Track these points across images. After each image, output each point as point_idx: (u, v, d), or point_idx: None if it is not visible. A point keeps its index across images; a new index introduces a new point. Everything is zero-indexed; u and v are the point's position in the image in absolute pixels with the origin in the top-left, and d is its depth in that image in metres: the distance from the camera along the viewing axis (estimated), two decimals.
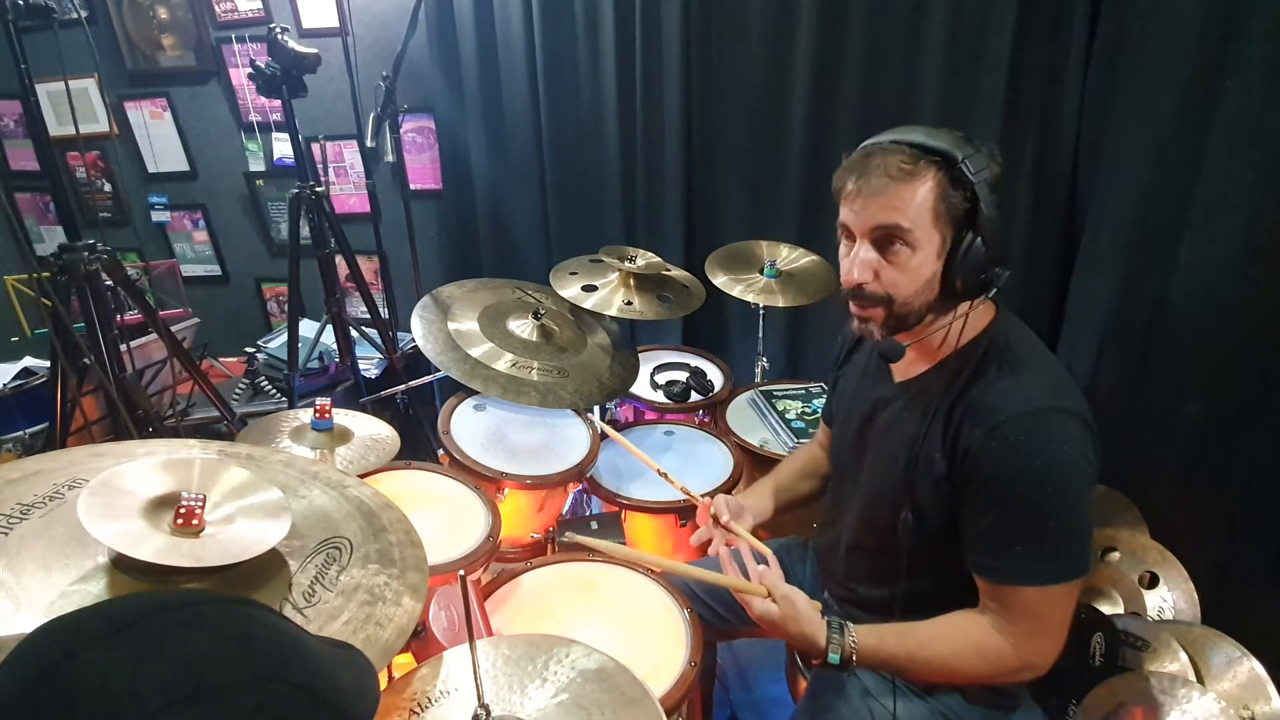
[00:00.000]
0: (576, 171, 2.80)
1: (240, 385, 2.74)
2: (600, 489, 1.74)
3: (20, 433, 2.24)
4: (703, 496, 1.41)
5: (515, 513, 1.64)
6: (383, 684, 0.90)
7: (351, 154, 3.07)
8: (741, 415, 2.06)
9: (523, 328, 1.81)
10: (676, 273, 2.16)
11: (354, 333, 2.62)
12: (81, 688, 0.44)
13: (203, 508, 0.83)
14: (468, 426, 1.77)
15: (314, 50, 2.16)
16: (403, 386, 2.47)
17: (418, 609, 0.88)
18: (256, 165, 3.15)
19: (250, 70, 2.16)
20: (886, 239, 1.01)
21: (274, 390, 2.67)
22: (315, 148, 2.94)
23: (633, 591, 1.35)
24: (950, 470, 1.02)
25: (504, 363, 1.68)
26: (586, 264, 2.06)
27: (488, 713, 0.84)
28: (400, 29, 2.19)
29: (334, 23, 2.82)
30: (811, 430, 1.91)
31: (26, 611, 0.73)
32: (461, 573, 0.87)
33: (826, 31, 2.38)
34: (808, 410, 2.01)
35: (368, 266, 3.04)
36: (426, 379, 2.50)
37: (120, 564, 0.79)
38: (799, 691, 1.38)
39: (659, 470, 1.49)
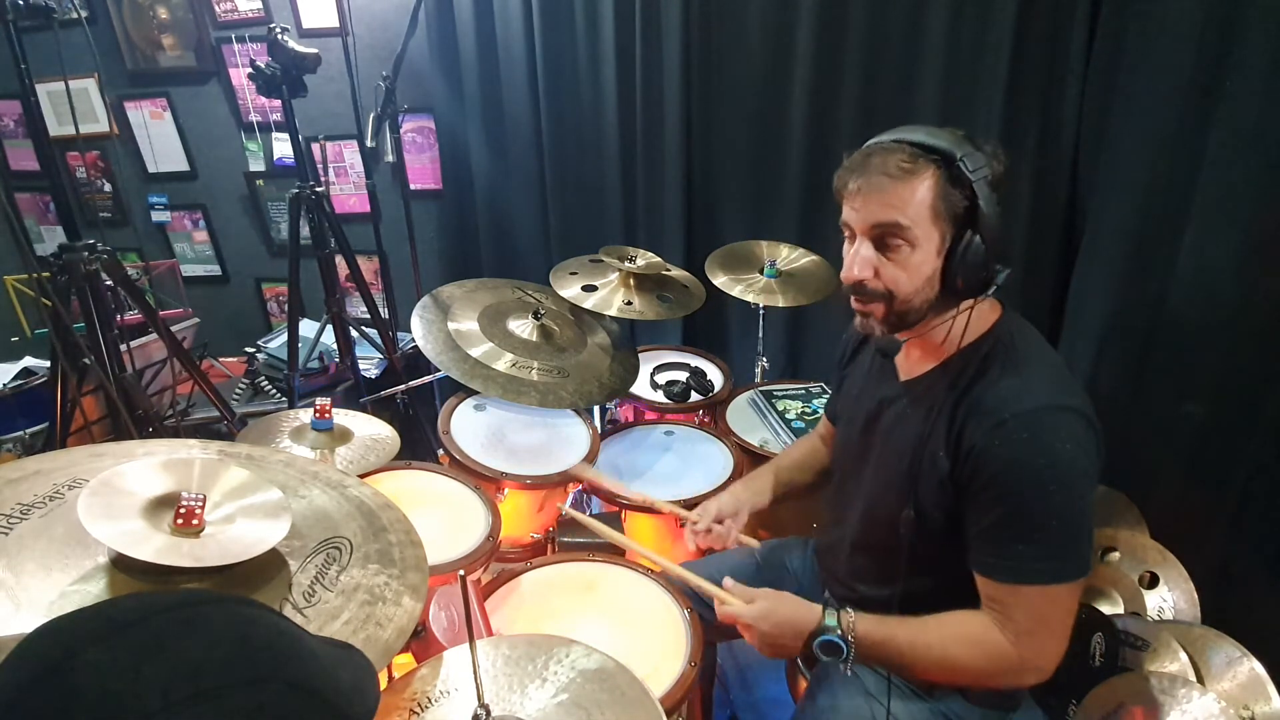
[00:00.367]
0: (576, 171, 2.80)
1: (240, 385, 2.74)
2: (600, 489, 1.74)
3: (20, 433, 2.24)
4: (690, 505, 1.44)
5: (515, 513, 1.65)
6: (383, 684, 0.90)
7: (351, 154, 3.07)
8: (741, 415, 2.06)
9: (523, 328, 1.81)
10: (676, 273, 2.16)
11: (354, 333, 2.62)
12: (81, 688, 0.44)
13: (203, 508, 0.83)
14: (468, 426, 1.77)
15: (314, 50, 2.16)
16: (403, 386, 2.47)
17: (418, 609, 0.88)
18: (256, 165, 3.15)
19: (250, 70, 2.16)
20: (886, 237, 1.01)
21: (274, 390, 2.67)
22: (315, 148, 2.94)
23: (633, 591, 1.35)
24: (953, 469, 1.03)
25: (504, 363, 1.68)
26: (586, 264, 2.06)
27: (488, 712, 0.84)
28: (400, 29, 2.19)
29: (334, 23, 2.82)
30: (811, 430, 1.91)
31: (26, 611, 0.73)
32: (461, 573, 0.87)
33: (826, 31, 2.38)
34: (808, 410, 2.01)
35: (368, 266, 3.04)
36: (426, 379, 2.50)
37: (120, 564, 0.79)
38: (799, 692, 1.38)
39: (642, 503, 1.49)
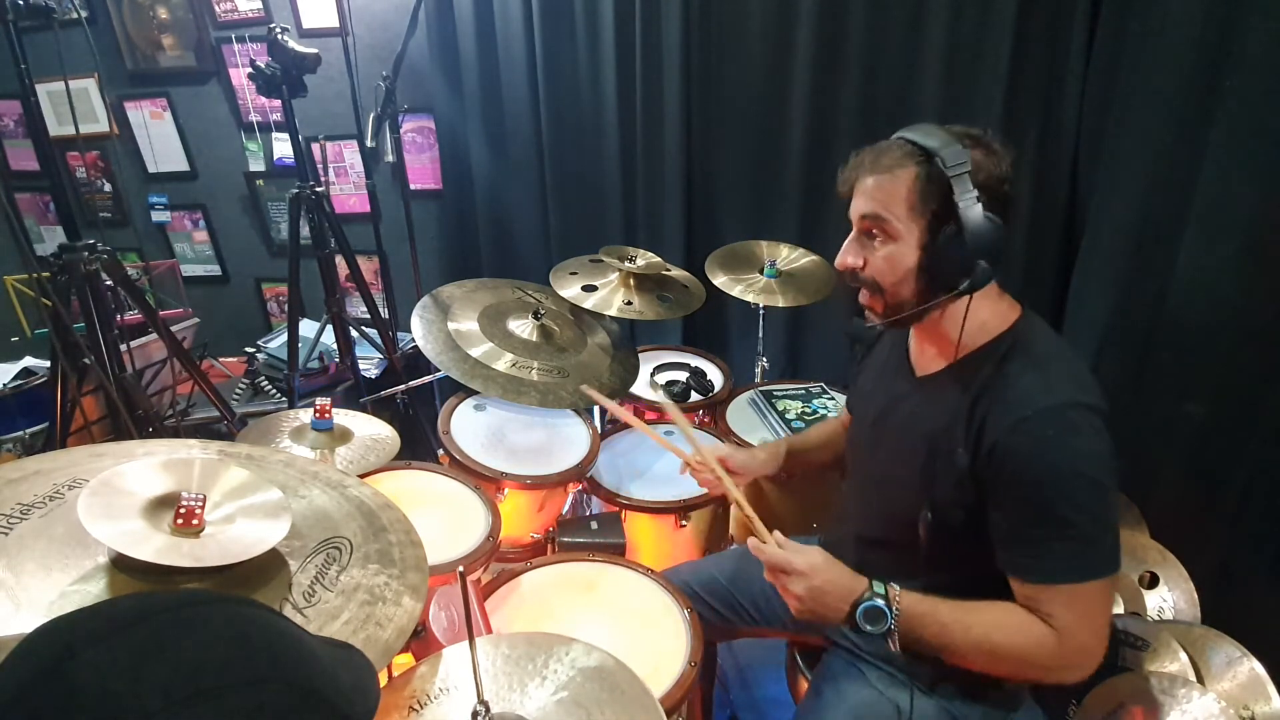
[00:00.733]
0: (576, 171, 2.80)
1: (240, 385, 2.74)
2: (600, 489, 1.74)
3: (20, 433, 2.24)
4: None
5: (515, 513, 1.64)
6: (383, 684, 0.90)
7: (351, 154, 3.07)
8: (741, 415, 2.06)
9: (523, 328, 1.81)
10: (676, 273, 2.15)
11: (354, 333, 2.62)
12: (81, 688, 0.44)
13: (203, 508, 0.83)
14: (468, 426, 1.77)
15: (314, 50, 2.16)
16: (403, 386, 2.47)
17: (418, 609, 0.88)
18: (256, 165, 3.15)
19: (250, 70, 2.16)
20: (872, 229, 1.07)
21: (274, 390, 2.67)
22: (315, 148, 2.94)
23: (633, 591, 1.35)
24: (974, 466, 1.02)
25: (504, 363, 1.68)
26: (586, 264, 2.06)
27: (487, 709, 0.84)
28: (400, 29, 2.19)
29: (334, 23, 2.82)
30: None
31: (26, 611, 0.73)
32: (460, 569, 0.87)
33: (826, 31, 2.38)
34: (808, 410, 2.01)
35: (368, 266, 3.04)
36: (426, 379, 2.50)
37: (120, 564, 0.79)
38: (799, 692, 1.38)
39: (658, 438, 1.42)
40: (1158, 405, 1.67)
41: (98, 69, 2.83)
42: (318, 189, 2.29)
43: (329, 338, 2.56)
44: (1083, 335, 2.00)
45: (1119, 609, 1.41)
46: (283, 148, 3.09)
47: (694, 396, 2.12)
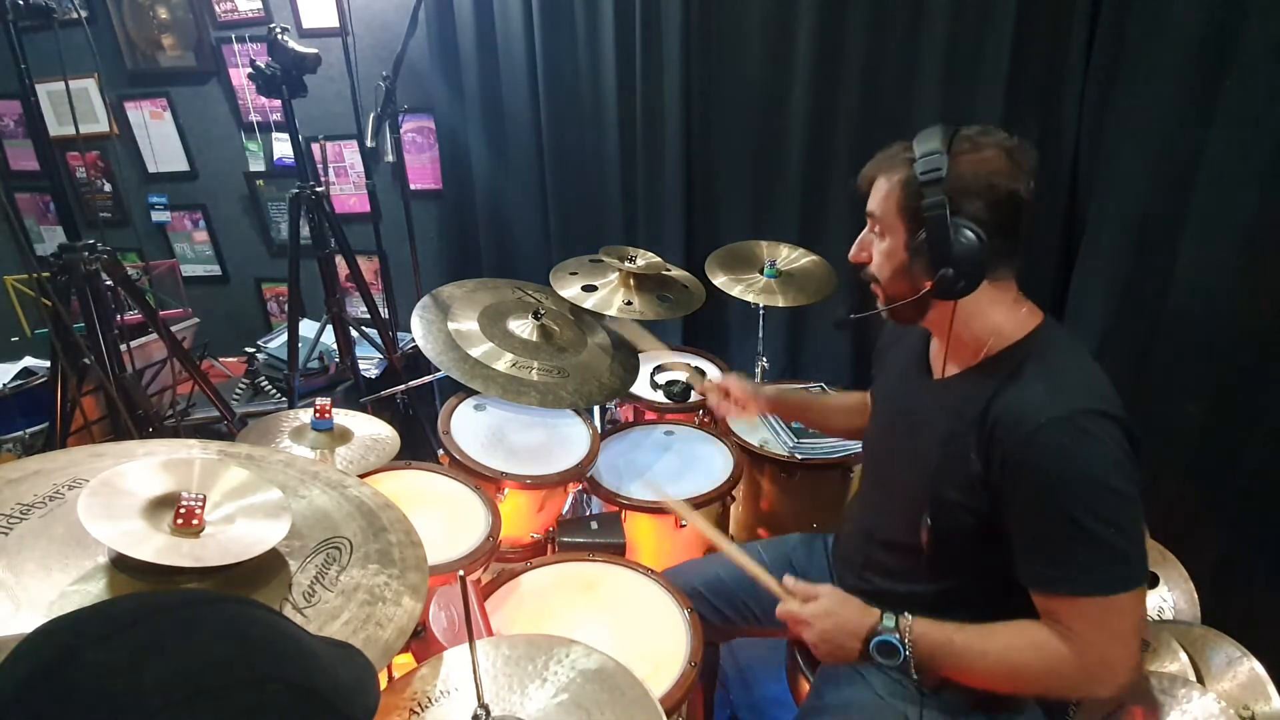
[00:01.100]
0: (576, 171, 2.80)
1: (240, 385, 2.74)
2: (600, 489, 1.74)
3: (20, 433, 2.24)
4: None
5: (515, 513, 1.64)
6: (383, 684, 0.90)
7: (351, 154, 3.07)
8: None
9: (523, 328, 1.81)
10: (676, 273, 2.15)
11: (354, 333, 2.62)
12: (81, 688, 0.44)
13: (203, 508, 0.83)
14: (468, 426, 1.77)
15: (314, 50, 2.16)
16: (403, 386, 2.47)
17: (418, 609, 0.88)
18: (256, 165, 3.15)
19: (250, 70, 2.16)
20: (873, 225, 1.11)
21: (274, 390, 2.67)
22: (315, 148, 2.95)
23: (633, 591, 1.35)
24: (987, 473, 1.01)
25: (504, 363, 1.68)
26: (586, 264, 2.06)
27: (487, 713, 0.84)
28: (400, 29, 2.19)
29: (334, 23, 2.82)
30: (812, 430, 1.91)
31: (26, 611, 0.73)
32: (461, 573, 0.87)
33: (826, 32, 2.38)
34: None
35: (368, 266, 3.04)
36: (426, 379, 2.50)
37: (120, 564, 0.79)
38: (800, 692, 1.38)
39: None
40: (1158, 405, 1.67)
41: (98, 69, 2.83)
42: (318, 189, 2.29)
43: (329, 338, 2.56)
44: (1083, 335, 2.00)
45: None
46: (283, 148, 3.09)
47: (694, 396, 2.12)
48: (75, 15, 1.92)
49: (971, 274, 0.99)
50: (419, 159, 3.03)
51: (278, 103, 2.23)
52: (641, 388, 2.14)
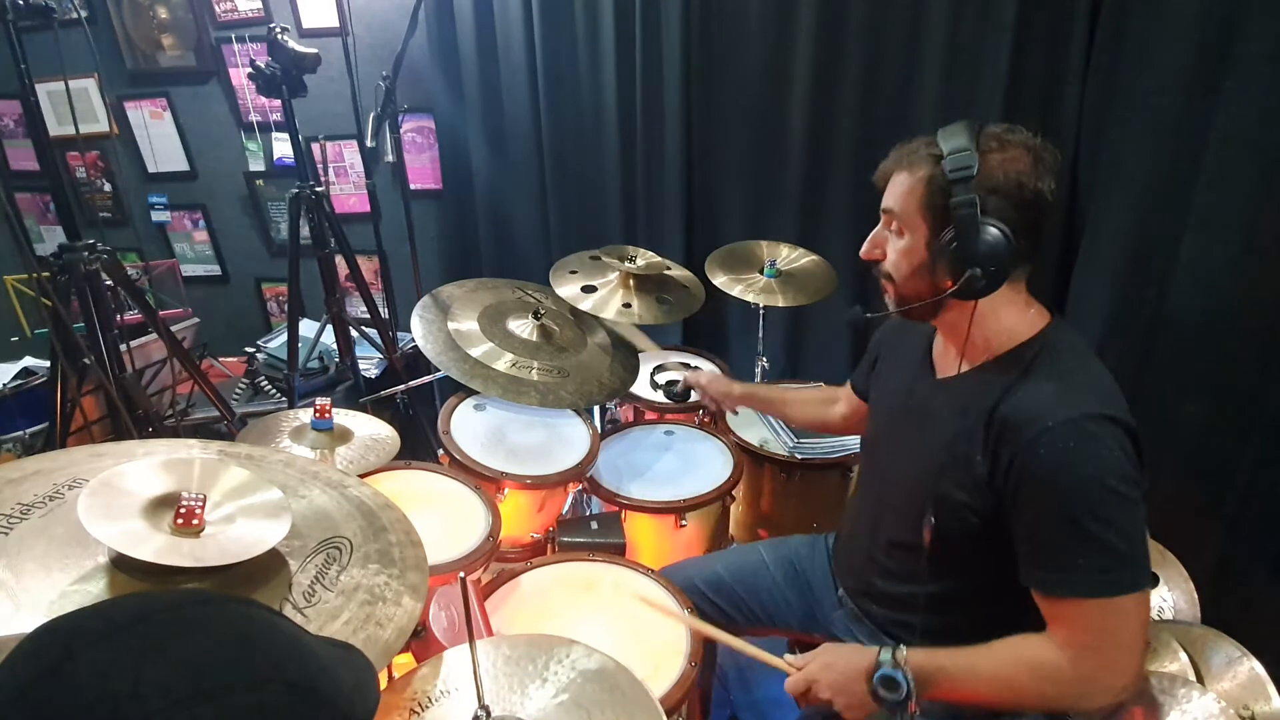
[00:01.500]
0: (576, 171, 2.80)
1: (240, 385, 2.74)
2: (600, 489, 1.74)
3: (20, 433, 2.24)
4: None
5: (515, 513, 1.64)
6: (383, 684, 0.90)
7: (351, 154, 3.07)
8: (741, 415, 2.06)
9: (523, 328, 1.81)
10: (676, 272, 2.15)
11: (354, 333, 2.62)
12: (81, 688, 0.44)
13: (203, 508, 0.83)
14: (468, 426, 1.77)
15: (314, 50, 2.16)
16: (403, 386, 2.47)
17: (418, 609, 0.88)
18: (256, 165, 3.15)
19: (250, 70, 2.16)
20: (890, 222, 1.09)
21: (274, 390, 2.67)
22: (315, 148, 2.94)
23: (633, 591, 1.35)
24: (992, 475, 1.01)
25: (504, 363, 1.68)
26: (587, 263, 2.06)
27: (488, 713, 0.84)
28: (400, 29, 2.19)
29: (334, 23, 2.82)
30: (811, 430, 1.91)
31: (26, 611, 0.73)
32: (461, 573, 0.87)
33: (826, 32, 2.38)
34: None
35: (368, 266, 3.04)
36: (426, 379, 2.50)
37: (120, 564, 0.79)
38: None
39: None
40: (1158, 405, 1.67)
41: (98, 69, 2.83)
42: (318, 189, 2.29)
43: (329, 338, 2.55)
44: (1083, 335, 1.98)
45: None
46: (283, 148, 3.09)
47: (694, 396, 2.12)
48: (75, 15, 1.92)
49: (996, 275, 0.99)
50: (419, 159, 3.03)
51: (278, 103, 2.23)
52: (641, 388, 2.14)
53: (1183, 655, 1.17)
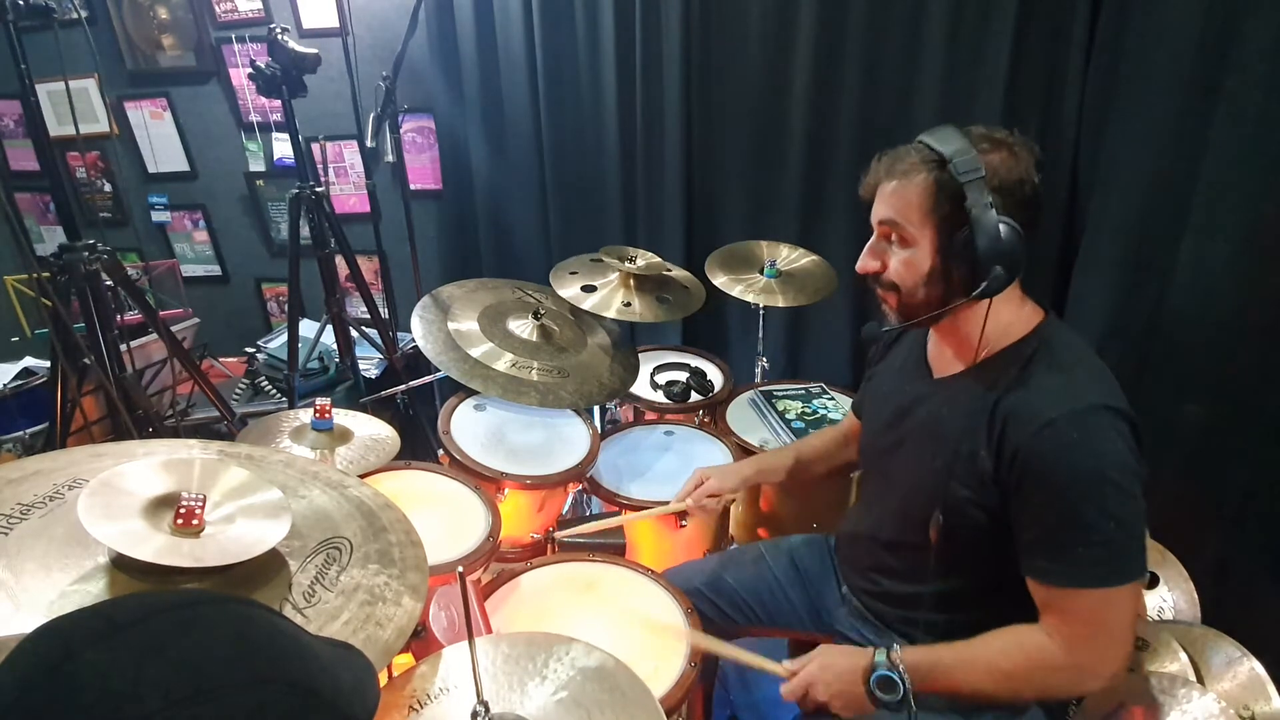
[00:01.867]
0: (576, 171, 2.80)
1: (240, 385, 2.74)
2: (600, 489, 1.74)
3: (20, 433, 2.24)
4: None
5: (515, 513, 1.64)
6: (382, 684, 0.90)
7: (351, 154, 3.07)
8: (742, 415, 2.06)
9: (523, 328, 1.81)
10: (677, 273, 2.15)
11: (354, 333, 2.62)
12: (81, 688, 0.44)
13: (203, 508, 0.83)
14: (468, 426, 1.77)
15: (314, 50, 2.16)
16: (403, 386, 2.47)
17: (418, 609, 0.88)
18: (256, 165, 3.15)
19: (250, 70, 2.16)
20: (890, 233, 1.08)
21: (274, 390, 2.68)
22: (315, 148, 2.94)
23: (633, 591, 1.35)
24: (997, 470, 1.02)
25: (504, 363, 1.68)
26: (587, 263, 2.06)
27: (487, 709, 0.84)
28: (400, 29, 2.19)
29: (334, 23, 2.82)
30: (812, 430, 1.91)
31: (26, 611, 0.73)
32: (460, 569, 0.87)
33: (826, 32, 2.38)
34: (808, 410, 2.01)
35: (368, 266, 3.04)
36: (426, 379, 2.50)
37: (120, 564, 0.79)
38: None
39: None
40: (1158, 405, 1.67)
41: (98, 69, 2.83)
42: (318, 189, 2.29)
43: (329, 338, 2.56)
44: (1083, 335, 1.98)
45: None
46: (283, 148, 3.09)
47: (694, 396, 2.12)
48: (75, 15, 1.92)
49: (1015, 270, 1.00)
50: (419, 159, 3.03)
51: (278, 103, 2.23)
52: (642, 388, 2.14)
53: (1183, 655, 1.17)
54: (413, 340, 1.71)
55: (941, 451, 1.09)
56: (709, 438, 1.95)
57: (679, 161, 2.64)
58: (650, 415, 2.14)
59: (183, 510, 0.82)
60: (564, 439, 1.80)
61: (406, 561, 0.93)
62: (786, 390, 2.11)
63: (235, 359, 2.94)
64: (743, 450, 1.88)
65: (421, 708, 0.93)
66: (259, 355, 2.77)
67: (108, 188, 3.25)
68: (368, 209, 2.93)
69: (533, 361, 1.71)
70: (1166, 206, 1.70)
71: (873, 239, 1.11)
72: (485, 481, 1.59)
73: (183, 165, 3.18)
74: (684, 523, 1.68)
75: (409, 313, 1.74)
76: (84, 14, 2.32)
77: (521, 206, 2.90)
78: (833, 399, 2.07)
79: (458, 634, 1.10)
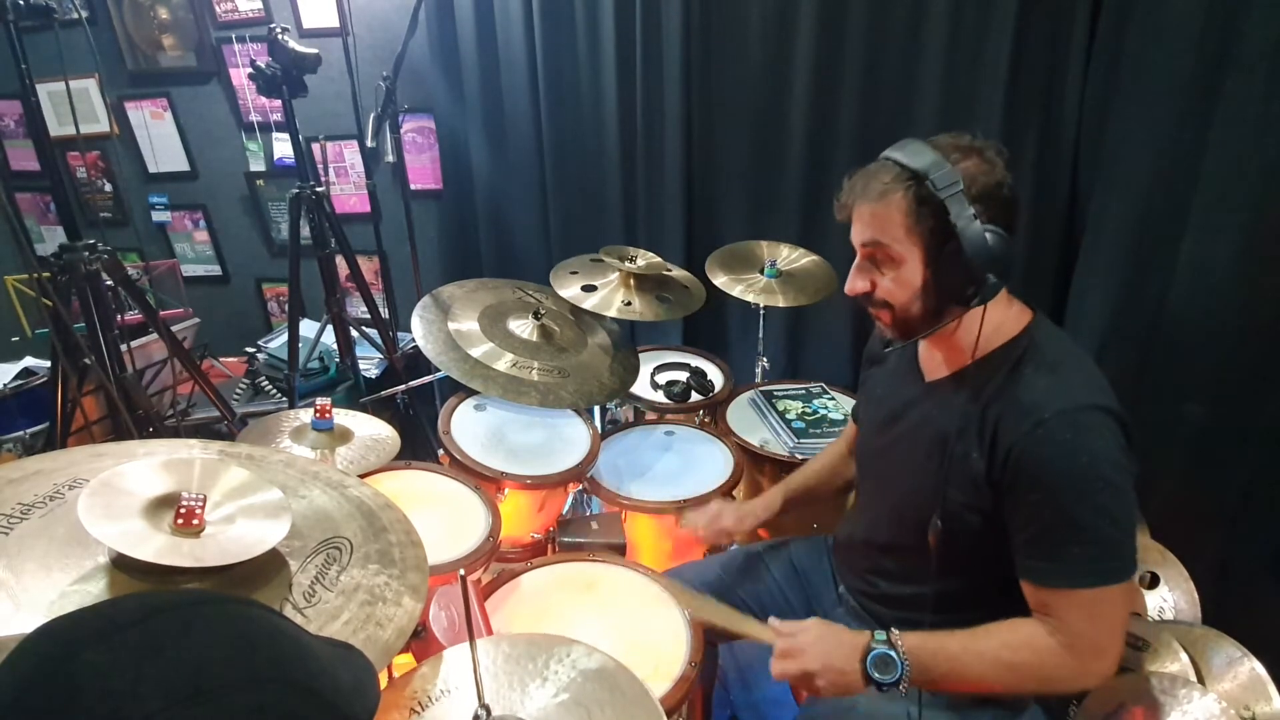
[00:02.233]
0: (577, 171, 2.80)
1: (240, 385, 2.74)
2: (600, 489, 1.74)
3: (20, 433, 2.24)
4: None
5: (515, 513, 1.65)
6: (383, 684, 0.90)
7: (352, 154, 3.07)
8: (742, 415, 2.06)
9: (523, 328, 1.81)
10: (677, 273, 2.16)
11: (354, 333, 2.62)
12: (81, 688, 0.44)
13: (203, 508, 0.83)
14: (468, 426, 1.77)
15: (314, 50, 2.16)
16: (403, 386, 2.47)
17: (418, 609, 0.88)
18: (257, 165, 3.15)
19: (251, 70, 2.16)
20: (875, 253, 1.08)
21: (274, 390, 2.68)
22: (315, 148, 2.94)
23: (633, 591, 1.35)
24: (990, 470, 1.02)
25: (504, 363, 1.68)
26: (587, 263, 2.06)
27: (488, 712, 0.84)
28: (400, 29, 2.19)
29: (334, 23, 2.82)
30: (812, 430, 1.92)
31: (26, 611, 0.73)
32: (461, 571, 0.87)
33: (826, 32, 2.38)
34: (808, 410, 2.01)
35: (368, 266, 3.04)
36: (426, 379, 2.50)
37: (120, 564, 0.79)
38: (800, 693, 1.38)
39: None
40: (1158, 405, 1.67)
41: (98, 69, 2.83)
42: (318, 189, 2.29)
43: (329, 338, 2.55)
44: (1083, 335, 2.00)
45: None
46: (283, 148, 3.09)
47: (694, 396, 2.12)
48: (76, 15, 1.92)
49: (1007, 275, 1.00)
50: (419, 159, 3.03)
51: (278, 103, 2.24)
52: (642, 388, 2.14)
53: (1183, 656, 1.17)
54: (413, 340, 1.71)
55: (934, 454, 1.09)
56: (709, 438, 1.95)
57: (679, 161, 2.64)
58: (650, 415, 2.15)
59: (183, 510, 0.82)
60: (564, 439, 1.80)
61: (407, 561, 0.93)
62: (787, 390, 2.11)
63: (235, 359, 2.94)
64: (742, 450, 1.88)
65: (423, 709, 0.93)
66: (259, 355, 2.77)
67: (108, 188, 3.25)
68: (368, 209, 2.93)
69: (533, 361, 1.71)
70: (1166, 206, 1.69)
71: (857, 260, 1.10)
72: (485, 481, 1.59)
73: (183, 165, 3.18)
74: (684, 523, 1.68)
75: (409, 313, 1.75)
76: (84, 14, 2.32)
77: (522, 206, 2.90)
78: (833, 399, 2.07)
79: (458, 634, 1.10)
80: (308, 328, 2.63)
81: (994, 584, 1.06)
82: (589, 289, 1.95)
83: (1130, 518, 0.98)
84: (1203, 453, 1.60)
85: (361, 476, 1.28)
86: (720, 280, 2.16)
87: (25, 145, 3.16)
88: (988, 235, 0.97)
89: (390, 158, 2.43)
